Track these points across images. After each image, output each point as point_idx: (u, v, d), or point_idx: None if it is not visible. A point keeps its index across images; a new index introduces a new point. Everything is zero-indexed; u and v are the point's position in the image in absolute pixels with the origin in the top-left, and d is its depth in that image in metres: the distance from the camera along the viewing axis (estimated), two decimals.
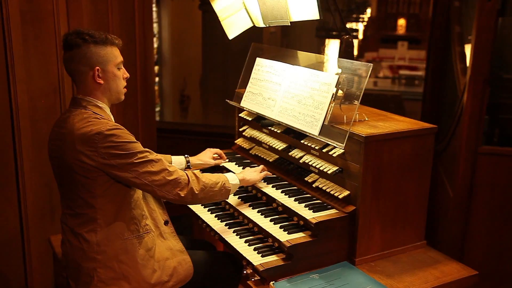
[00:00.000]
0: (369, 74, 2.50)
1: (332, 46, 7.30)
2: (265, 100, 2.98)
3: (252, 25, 3.01)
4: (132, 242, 2.37)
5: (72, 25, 3.35)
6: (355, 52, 11.55)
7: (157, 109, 10.53)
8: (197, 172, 2.50)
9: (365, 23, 12.45)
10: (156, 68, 10.36)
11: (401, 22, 14.13)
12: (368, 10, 13.76)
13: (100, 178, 2.26)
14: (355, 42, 10.72)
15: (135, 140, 2.28)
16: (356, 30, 8.03)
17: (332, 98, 2.62)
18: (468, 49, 4.16)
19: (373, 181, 2.50)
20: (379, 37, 15.10)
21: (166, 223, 2.57)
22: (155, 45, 10.27)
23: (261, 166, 2.89)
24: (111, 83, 2.36)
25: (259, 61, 3.13)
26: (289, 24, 2.72)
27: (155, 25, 10.19)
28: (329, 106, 2.61)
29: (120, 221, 2.34)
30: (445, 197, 4.05)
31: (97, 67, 2.30)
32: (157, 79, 10.42)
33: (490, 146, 3.74)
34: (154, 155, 2.32)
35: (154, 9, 10.07)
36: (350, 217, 2.52)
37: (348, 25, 9.13)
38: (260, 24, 2.94)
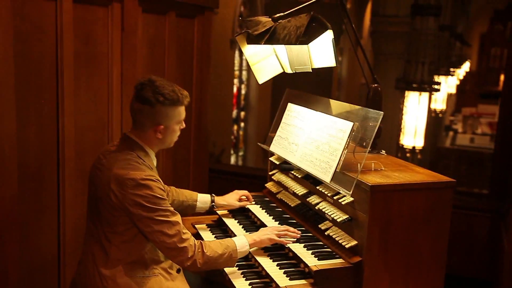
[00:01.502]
0: (379, 122, 2.46)
1: (411, 98, 7.15)
2: (289, 145, 3.00)
3: (282, 70, 3.07)
4: (137, 281, 2.43)
5: (125, 67, 3.59)
6: (445, 107, 11.18)
7: (241, 153, 10.78)
8: (206, 242, 2.48)
9: (460, 77, 12.05)
10: (242, 114, 10.66)
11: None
12: (467, 64, 13.32)
13: (122, 219, 2.38)
14: (444, 95, 10.39)
15: (164, 197, 2.36)
16: (438, 83, 7.79)
17: (346, 145, 2.59)
18: None
19: (380, 232, 2.41)
20: (478, 92, 14.51)
21: (178, 271, 2.63)
22: (243, 92, 10.62)
23: (284, 227, 2.76)
24: (167, 137, 2.50)
25: (290, 106, 3.17)
26: (311, 71, 2.75)
27: (244, 73, 10.56)
28: (342, 153, 2.58)
29: (129, 261, 2.43)
30: (506, 260, 3.77)
31: (162, 126, 2.43)
32: (242, 124, 10.71)
33: None
34: (175, 217, 2.38)
35: (245, 56, 10.47)
36: (355, 268, 2.44)
37: (437, 79, 8.90)
38: (288, 70, 3.00)
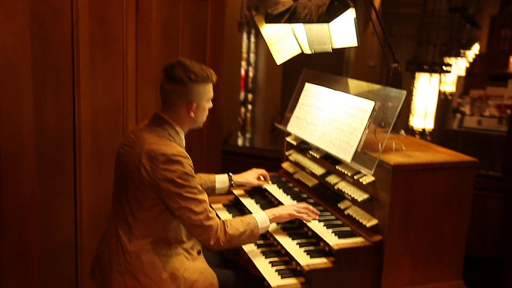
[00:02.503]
0: (401, 102, 2.45)
1: (422, 79, 7.10)
2: (308, 125, 3.00)
3: (300, 51, 3.05)
4: (160, 259, 2.45)
5: (140, 49, 3.58)
6: (454, 89, 11.10)
7: (248, 135, 10.78)
8: (228, 220, 2.50)
9: (470, 60, 11.92)
10: (250, 96, 10.64)
11: None
12: (476, 46, 13.18)
13: (151, 194, 2.39)
14: (454, 77, 10.31)
15: (193, 174, 2.38)
16: (449, 65, 7.73)
17: (367, 125, 2.58)
18: None
19: (402, 212, 2.42)
20: (487, 74, 14.38)
21: (199, 252, 2.64)
22: (251, 74, 10.58)
23: (303, 204, 2.79)
24: (199, 116, 2.53)
25: (307, 86, 3.16)
26: (331, 51, 2.73)
27: (252, 55, 10.52)
28: (363, 132, 2.58)
29: (153, 238, 2.44)
30: None
31: (194, 103, 2.46)
32: (250, 107, 10.69)
33: None
34: (202, 195, 2.40)
35: (253, 40, 10.41)
36: (376, 247, 2.44)
37: (448, 61, 8.82)
38: (306, 50, 2.98)
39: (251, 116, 10.81)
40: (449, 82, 9.71)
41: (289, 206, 2.75)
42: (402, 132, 2.93)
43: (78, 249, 3.35)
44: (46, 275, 3.27)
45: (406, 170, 2.38)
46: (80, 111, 3.23)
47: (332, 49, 2.74)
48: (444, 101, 10.76)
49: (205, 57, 4.29)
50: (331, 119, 2.82)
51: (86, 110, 3.27)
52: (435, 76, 7.20)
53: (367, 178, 2.50)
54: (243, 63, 10.19)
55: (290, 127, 3.16)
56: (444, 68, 7.78)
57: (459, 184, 2.49)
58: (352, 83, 3.00)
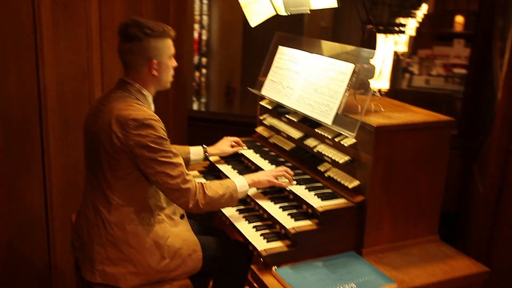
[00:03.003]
0: (383, 64, 2.46)
1: (378, 40, 7.14)
2: (284, 89, 2.98)
3: (274, 13, 3.00)
4: (143, 228, 2.42)
5: (103, 11, 3.43)
6: (406, 49, 11.29)
7: (203, 100, 10.67)
8: (206, 183, 2.47)
9: (419, 20, 12.12)
10: (204, 60, 10.48)
11: (459, 19, 13.66)
12: (424, 7, 13.40)
13: (125, 162, 2.33)
14: (406, 37, 10.48)
15: (166, 138, 2.33)
16: (404, 25, 7.82)
17: (347, 87, 2.59)
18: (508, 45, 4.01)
19: (383, 172, 2.46)
20: (434, 34, 14.68)
21: (181, 216, 2.61)
22: (204, 37, 10.40)
23: (282, 167, 2.77)
24: (163, 74, 2.45)
25: (281, 49, 3.13)
26: (309, 12, 2.70)
27: (205, 18, 10.31)
28: (343, 95, 2.58)
29: (133, 207, 2.40)
30: (476, 194, 3.93)
31: (155, 60, 2.38)
32: (204, 71, 10.54)
33: None
34: (177, 159, 2.36)
35: (205, 1, 10.18)
36: (358, 207, 2.49)
37: (398, 21, 8.92)
38: (281, 12, 2.93)
39: (206, 80, 10.68)
40: (401, 42, 9.85)
41: (268, 171, 2.74)
42: (377, 93, 2.95)
43: (49, 221, 3.28)
44: (17, 248, 3.19)
45: (388, 131, 2.41)
46: (45, 78, 3.11)
47: (310, 11, 2.70)
48: (396, 61, 10.93)
49: (169, 20, 4.16)
50: (309, 82, 2.81)
51: (51, 77, 3.15)
52: (390, 36, 7.26)
53: (349, 140, 2.52)
54: (196, 26, 9.98)
55: (265, 91, 3.14)
56: (398, 28, 7.86)
57: (437, 143, 2.55)
58: (326, 45, 2.99)
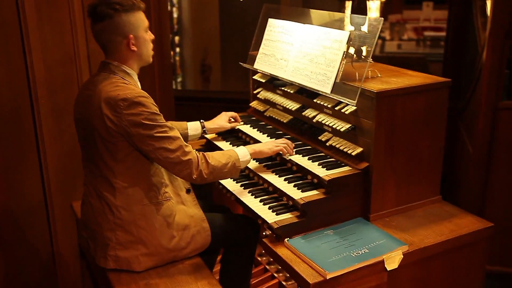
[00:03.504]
0: (379, 30, 2.47)
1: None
2: (277, 61, 2.97)
3: None
4: (150, 208, 2.41)
5: None
6: (378, 14, 11.35)
7: (179, 79, 10.56)
8: (208, 153, 2.47)
9: None
10: (177, 38, 10.35)
11: None
12: None
13: (122, 143, 2.30)
14: (378, 3, 10.52)
15: (159, 112, 2.30)
16: None
17: (343, 55, 2.60)
18: (489, 2, 4.06)
19: (386, 137, 2.49)
20: None
21: (188, 191, 2.59)
22: (175, 15, 10.25)
23: (282, 139, 2.78)
24: (142, 49, 2.40)
25: (271, 22, 3.11)
26: None
27: None
28: (340, 63, 2.59)
29: (138, 187, 2.38)
30: (465, 154, 4.02)
31: (131, 35, 2.34)
32: (178, 49, 10.42)
33: (511, 101, 3.68)
34: (173, 132, 2.34)
35: None
36: (363, 174, 2.52)
37: None
38: None
39: (180, 59, 10.56)
40: (373, 8, 9.90)
41: (268, 142, 2.75)
42: (370, 59, 2.96)
43: (48, 209, 3.25)
44: (20, 239, 3.16)
45: (389, 95, 2.43)
46: (33, 65, 3.04)
47: None
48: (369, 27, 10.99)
49: (149, 2, 4.10)
50: (303, 53, 2.81)
51: (39, 63, 3.09)
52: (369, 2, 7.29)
53: (349, 108, 2.54)
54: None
55: (258, 65, 3.13)
56: None
57: (435, 104, 2.58)
58: (316, 14, 2.99)
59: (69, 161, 3.28)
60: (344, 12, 8.03)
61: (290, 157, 2.69)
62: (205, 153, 2.45)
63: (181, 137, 2.38)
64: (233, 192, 2.71)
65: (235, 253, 2.76)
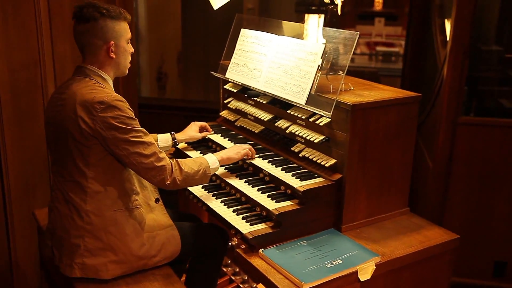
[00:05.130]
0: (355, 43, 2.52)
1: (311, 20, 7.25)
2: (250, 71, 2.98)
3: None
4: (121, 214, 2.37)
5: None
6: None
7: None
8: (180, 160, 2.46)
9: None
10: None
11: None
12: None
13: (96, 147, 2.26)
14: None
15: (134, 117, 2.28)
16: (336, 5, 8.01)
17: (318, 67, 2.63)
18: (448, 21, 4.20)
19: (359, 149, 2.53)
20: (356, 13, 15.09)
21: (157, 200, 2.56)
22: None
23: (246, 145, 2.83)
24: (121, 58, 2.39)
25: (244, 32, 3.12)
26: None
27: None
28: (315, 75, 2.62)
29: (110, 193, 2.34)
30: (424, 168, 4.12)
31: (112, 42, 2.32)
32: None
33: (469, 117, 3.81)
34: (148, 138, 2.32)
35: None
36: (336, 185, 2.55)
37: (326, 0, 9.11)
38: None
39: (136, 66, 10.41)
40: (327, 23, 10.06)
41: (234, 147, 2.78)
42: (341, 72, 3.01)
43: (8, 217, 3.13)
44: None
45: (363, 108, 2.48)
46: None
47: None
48: None
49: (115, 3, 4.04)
50: (277, 64, 2.82)
51: (3, 66, 3.00)
52: (322, 17, 7.39)
53: (324, 119, 2.56)
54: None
55: (230, 74, 3.12)
56: (331, 8, 8.01)
57: (406, 118, 2.65)
58: (287, 25, 3.02)
59: (30, 169, 3.18)
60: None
61: (263, 167, 2.69)
62: (178, 160, 2.44)
63: (155, 143, 2.36)
64: (205, 202, 2.69)
65: (203, 262, 2.75)
